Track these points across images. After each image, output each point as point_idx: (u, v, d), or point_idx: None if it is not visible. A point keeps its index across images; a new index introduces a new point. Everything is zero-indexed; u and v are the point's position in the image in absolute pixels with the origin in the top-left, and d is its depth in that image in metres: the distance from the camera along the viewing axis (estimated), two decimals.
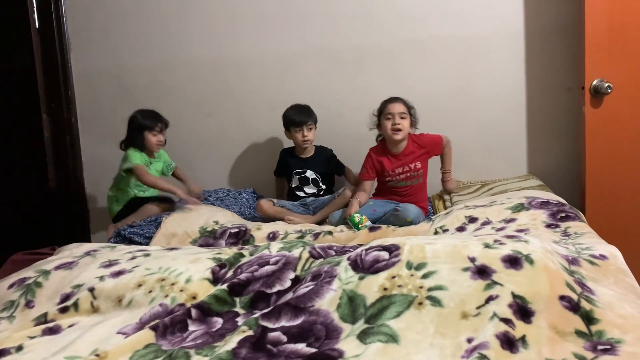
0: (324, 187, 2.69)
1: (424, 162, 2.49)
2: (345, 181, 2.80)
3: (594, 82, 2.32)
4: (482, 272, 1.33)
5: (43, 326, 1.46)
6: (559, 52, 2.64)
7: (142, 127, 2.58)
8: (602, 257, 1.46)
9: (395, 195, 2.47)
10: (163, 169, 2.72)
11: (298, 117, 2.63)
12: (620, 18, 2.29)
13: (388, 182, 2.48)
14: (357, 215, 2.25)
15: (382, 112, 2.47)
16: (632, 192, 2.39)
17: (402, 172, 2.45)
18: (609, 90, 2.29)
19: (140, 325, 1.40)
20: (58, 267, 1.69)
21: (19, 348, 1.35)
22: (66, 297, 1.56)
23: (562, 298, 1.25)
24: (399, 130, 2.40)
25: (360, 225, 2.20)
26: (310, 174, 2.68)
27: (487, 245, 1.41)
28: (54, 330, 1.44)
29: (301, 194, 2.69)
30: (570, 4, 2.53)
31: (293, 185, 2.71)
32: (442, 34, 2.74)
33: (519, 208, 2.02)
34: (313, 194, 2.68)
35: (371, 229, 2.16)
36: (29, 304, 1.56)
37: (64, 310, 1.51)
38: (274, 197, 2.81)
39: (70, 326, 1.45)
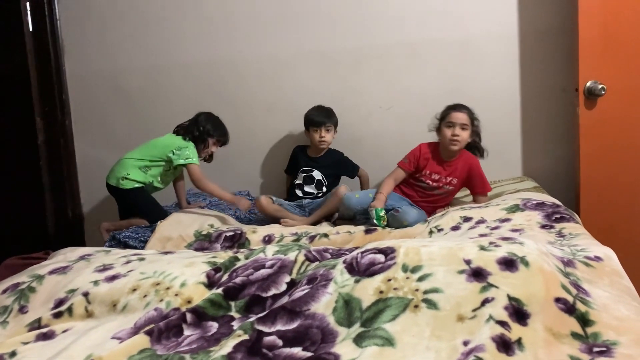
0: (324, 190, 2.69)
1: (459, 183, 2.42)
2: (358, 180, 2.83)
3: (588, 84, 2.32)
4: (478, 274, 1.33)
5: (37, 331, 1.44)
6: (553, 53, 2.65)
7: (210, 134, 2.57)
8: (597, 258, 1.46)
9: (415, 194, 2.42)
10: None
11: (317, 117, 2.67)
12: (613, 20, 2.30)
13: (418, 179, 2.42)
14: (383, 210, 2.25)
15: (444, 118, 2.39)
16: (627, 193, 2.40)
17: (437, 180, 2.39)
18: (603, 92, 2.30)
19: (135, 330, 1.39)
20: (52, 272, 1.68)
21: (13, 354, 1.34)
22: (60, 302, 1.55)
23: (558, 300, 1.25)
24: (457, 141, 2.34)
25: (382, 222, 2.21)
26: (316, 174, 2.70)
27: (482, 248, 1.41)
28: (48, 336, 1.43)
29: (300, 193, 2.70)
30: (564, 5, 2.54)
31: (296, 182, 2.72)
32: (437, 36, 2.74)
33: (514, 209, 2.02)
34: (310, 194, 2.69)
35: (367, 231, 2.16)
36: (22, 309, 1.55)
37: (58, 316, 1.50)
38: (284, 194, 2.83)
39: (64, 331, 1.44)
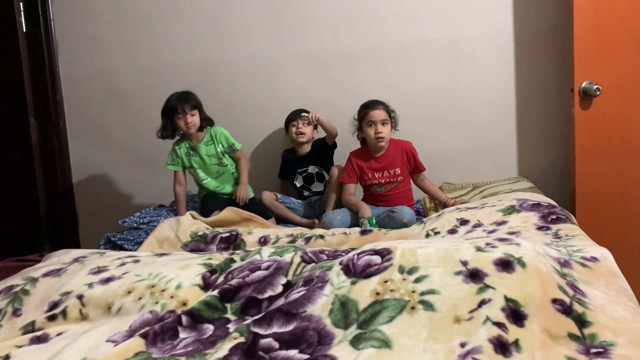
0: (327, 179, 2.70)
1: (405, 169, 2.48)
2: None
3: (583, 85, 2.33)
4: (475, 275, 1.32)
5: (31, 335, 1.43)
6: (548, 54, 2.65)
7: (167, 112, 2.51)
8: (594, 259, 1.46)
9: (377, 201, 2.48)
10: (219, 152, 2.62)
11: (294, 113, 2.69)
12: (608, 21, 2.30)
13: (369, 186, 2.50)
14: (374, 218, 2.31)
15: (363, 119, 2.45)
16: (622, 193, 2.41)
17: (382, 177, 2.47)
18: (598, 93, 2.30)
19: (130, 333, 1.38)
20: (46, 274, 1.66)
21: (6, 358, 1.32)
22: (54, 305, 1.53)
23: (555, 301, 1.25)
24: (382, 138, 2.41)
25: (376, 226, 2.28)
26: (312, 169, 2.70)
27: (479, 249, 1.41)
28: (42, 339, 1.41)
29: (307, 193, 2.72)
30: (559, 6, 2.54)
31: (298, 185, 2.73)
32: (432, 37, 2.74)
33: (510, 210, 2.02)
34: (320, 193, 2.71)
35: (362, 232, 2.16)
36: (16, 312, 1.54)
37: (52, 319, 1.48)
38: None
39: (58, 334, 1.43)
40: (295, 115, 2.68)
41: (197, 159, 2.58)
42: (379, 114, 2.41)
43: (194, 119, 2.51)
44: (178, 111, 2.48)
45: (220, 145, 2.61)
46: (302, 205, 2.68)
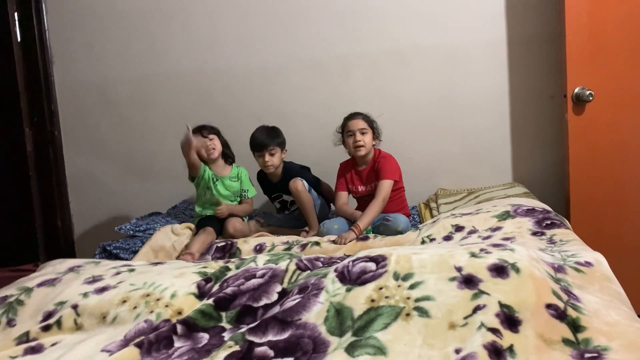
0: None
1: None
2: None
3: (576, 90, 2.34)
4: (469, 281, 1.33)
5: (25, 345, 1.43)
6: (542, 60, 2.67)
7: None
8: (588, 264, 1.47)
9: (365, 203, 2.44)
10: (239, 190, 2.61)
11: (259, 140, 2.49)
12: (600, 27, 2.32)
13: (356, 196, 2.50)
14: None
15: (344, 130, 2.46)
16: (616, 198, 2.42)
17: (365, 191, 2.46)
18: (591, 98, 2.32)
19: (125, 343, 1.38)
20: (41, 284, 1.66)
21: None
22: (49, 315, 1.53)
23: (549, 306, 1.25)
24: (361, 146, 2.40)
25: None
26: (287, 197, 2.62)
27: (473, 255, 1.41)
28: (36, 350, 1.41)
29: (286, 212, 2.68)
30: (551, 13, 2.56)
31: (277, 207, 2.69)
32: (426, 43, 2.76)
33: (504, 216, 2.02)
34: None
35: (358, 239, 2.16)
36: (10, 323, 1.53)
37: (46, 329, 1.48)
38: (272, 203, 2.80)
39: (53, 345, 1.43)
40: (261, 146, 2.48)
41: (217, 189, 2.55)
42: (356, 124, 2.42)
43: (215, 143, 2.54)
44: (198, 130, 2.53)
45: (240, 185, 2.62)
46: (286, 220, 2.62)
